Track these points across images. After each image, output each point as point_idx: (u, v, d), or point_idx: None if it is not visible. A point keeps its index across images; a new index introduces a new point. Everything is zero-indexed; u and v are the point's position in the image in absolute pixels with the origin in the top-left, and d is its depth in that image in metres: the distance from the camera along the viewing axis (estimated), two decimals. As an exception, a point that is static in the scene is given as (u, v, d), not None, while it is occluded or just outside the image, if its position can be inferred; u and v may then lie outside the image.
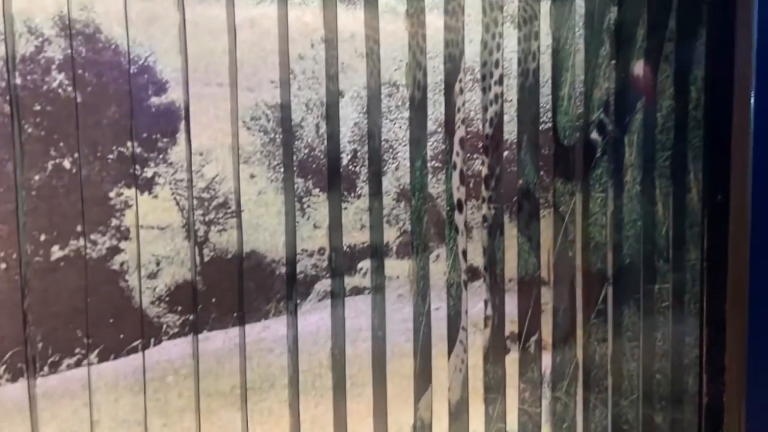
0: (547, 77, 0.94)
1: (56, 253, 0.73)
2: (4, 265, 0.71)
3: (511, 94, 0.92)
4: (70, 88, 0.72)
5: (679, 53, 1.00)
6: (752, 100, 1.00)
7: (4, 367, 0.71)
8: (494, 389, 0.93)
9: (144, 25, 0.75)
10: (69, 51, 0.71)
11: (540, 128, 0.94)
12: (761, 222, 1.02)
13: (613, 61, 0.96)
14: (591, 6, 0.94)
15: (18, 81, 0.70)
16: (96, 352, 0.75)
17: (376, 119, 0.84)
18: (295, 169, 0.82)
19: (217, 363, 0.81)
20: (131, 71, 0.74)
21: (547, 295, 0.97)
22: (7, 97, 0.69)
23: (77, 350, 0.74)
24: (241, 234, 0.80)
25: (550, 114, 0.95)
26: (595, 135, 0.96)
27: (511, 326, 0.96)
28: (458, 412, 0.91)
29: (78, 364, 0.74)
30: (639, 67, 0.98)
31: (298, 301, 0.83)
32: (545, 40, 0.93)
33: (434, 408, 0.90)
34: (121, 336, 0.76)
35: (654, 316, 1.02)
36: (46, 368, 0.73)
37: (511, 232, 0.94)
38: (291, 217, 0.81)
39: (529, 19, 0.90)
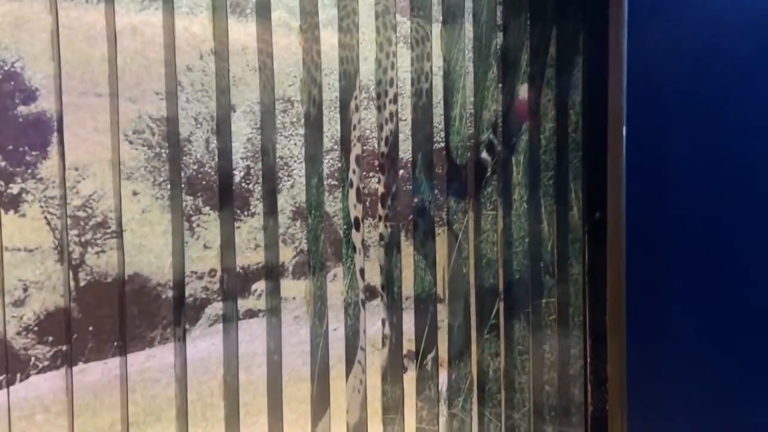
0: (440, 98, 0.96)
1: None
2: None
3: (406, 113, 0.93)
4: None
5: (559, 79, 1.06)
6: (624, 125, 1.08)
7: None
8: (393, 409, 0.92)
9: (10, 28, 0.68)
10: None
11: (435, 147, 0.95)
12: (635, 237, 1.10)
13: (500, 85, 1.00)
14: (479, 31, 0.97)
15: None
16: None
17: (270, 135, 0.81)
18: (183, 186, 0.77)
19: (95, 397, 0.73)
20: (-5, 77, 0.67)
21: (442, 313, 0.97)
22: None
23: None
24: (122, 255, 0.74)
25: (443, 134, 0.96)
26: (484, 155, 0.99)
27: (408, 344, 0.95)
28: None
29: None
30: (524, 91, 1.02)
31: (187, 326, 0.78)
32: (437, 62, 0.95)
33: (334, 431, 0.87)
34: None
35: (542, 329, 1.06)
36: None
37: (407, 250, 0.94)
38: (178, 237, 0.76)
39: (421, 40, 0.92)
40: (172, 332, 0.77)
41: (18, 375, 0.69)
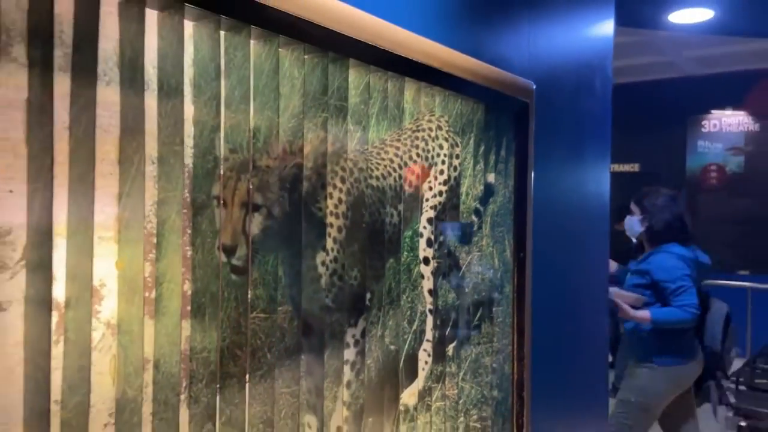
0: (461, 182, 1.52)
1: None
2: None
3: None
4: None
5: (503, 172, 1.70)
6: (531, 201, 1.77)
7: (206, 389, 0.93)
8: (436, 380, 1.44)
9: None
10: None
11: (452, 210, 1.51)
12: (536, 268, 1.79)
13: (479, 174, 1.61)
14: (478, 139, 1.57)
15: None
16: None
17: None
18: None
19: None
20: None
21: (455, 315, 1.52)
22: None
23: (246, 372, 1.00)
24: None
25: (455, 200, 1.52)
26: (473, 217, 1.59)
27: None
28: (421, 397, 1.39)
29: (245, 383, 1.00)
30: (491, 177, 1.64)
31: None
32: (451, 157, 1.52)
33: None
34: (267, 360, 1.04)
35: (493, 326, 1.67)
36: None
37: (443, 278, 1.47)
38: None
39: (452, 146, 1.48)
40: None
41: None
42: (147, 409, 0.87)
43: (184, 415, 0.91)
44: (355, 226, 1.19)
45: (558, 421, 2.10)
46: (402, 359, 1.33)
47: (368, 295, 1.24)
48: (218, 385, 0.95)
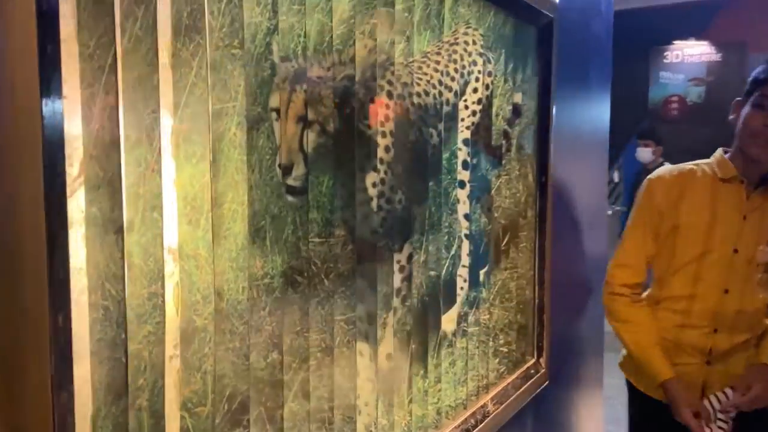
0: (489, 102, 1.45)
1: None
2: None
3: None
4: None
5: (528, 88, 1.63)
6: (552, 131, 1.71)
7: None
8: (470, 306, 1.40)
9: None
10: None
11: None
12: (557, 192, 1.75)
13: (507, 94, 1.54)
14: (500, 62, 1.48)
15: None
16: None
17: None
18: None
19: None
20: None
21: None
22: None
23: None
24: (383, 205, 1.09)
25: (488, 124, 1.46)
26: (502, 139, 1.52)
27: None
28: (458, 322, 1.35)
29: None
30: (518, 98, 1.57)
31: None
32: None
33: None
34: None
35: (518, 250, 1.64)
36: (293, 315, 0.91)
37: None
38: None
39: (485, 63, 1.40)
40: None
41: (338, 287, 1.00)
42: (213, 338, 0.81)
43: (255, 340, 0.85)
44: (401, 146, 1.12)
45: (576, 347, 2.13)
46: (442, 285, 1.29)
47: (412, 220, 1.18)
48: (282, 313, 0.89)
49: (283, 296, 0.89)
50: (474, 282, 1.41)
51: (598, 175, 2.40)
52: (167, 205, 0.73)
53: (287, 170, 0.88)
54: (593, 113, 2.35)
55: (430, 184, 1.23)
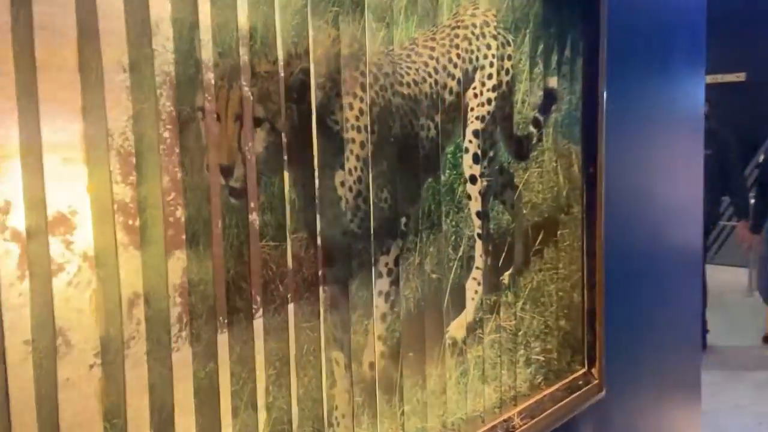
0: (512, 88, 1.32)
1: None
2: (206, 237, 0.83)
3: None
4: (246, 87, 0.87)
5: (571, 72, 1.48)
6: (604, 112, 1.54)
7: (209, 323, 0.84)
8: (489, 311, 1.29)
9: None
10: None
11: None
12: (609, 186, 1.57)
13: (537, 78, 1.40)
14: (530, 40, 1.35)
15: (212, 81, 0.83)
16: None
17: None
18: (382, 153, 1.06)
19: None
20: None
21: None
22: (216, 95, 0.82)
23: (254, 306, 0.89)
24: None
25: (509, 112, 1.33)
26: (531, 128, 1.39)
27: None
28: (471, 329, 1.25)
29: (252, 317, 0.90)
30: (554, 82, 1.43)
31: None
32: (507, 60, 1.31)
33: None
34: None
35: (559, 251, 1.49)
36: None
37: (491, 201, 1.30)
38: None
39: (502, 46, 1.27)
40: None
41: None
42: (143, 348, 0.79)
43: (187, 353, 0.83)
44: (382, 141, 1.04)
45: (638, 358, 1.92)
46: (447, 289, 1.19)
47: (403, 219, 1.10)
48: (224, 321, 0.85)
49: (227, 303, 0.85)
50: (493, 285, 1.29)
51: (688, 167, 2.15)
52: (79, 211, 0.72)
53: (227, 171, 0.84)
54: (678, 98, 2.10)
55: (428, 180, 1.14)
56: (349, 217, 1.00)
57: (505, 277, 1.34)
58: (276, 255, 0.90)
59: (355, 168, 1.01)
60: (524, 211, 1.37)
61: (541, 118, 1.40)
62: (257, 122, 0.88)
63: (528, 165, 1.38)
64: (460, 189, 1.21)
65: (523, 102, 1.34)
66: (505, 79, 1.29)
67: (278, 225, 0.90)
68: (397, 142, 1.07)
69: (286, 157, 0.92)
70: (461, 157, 1.21)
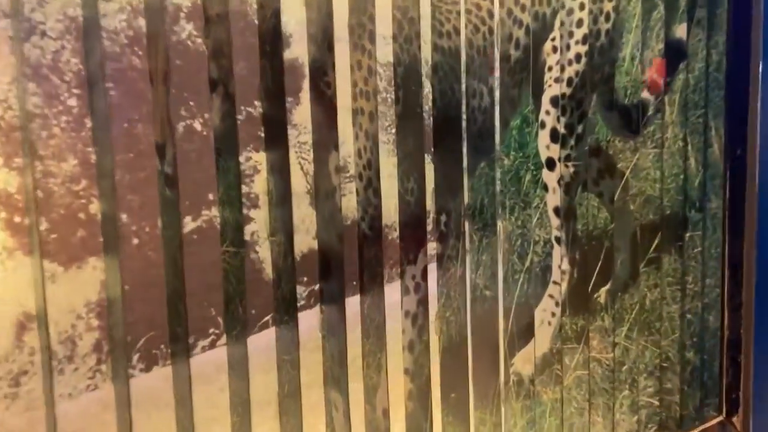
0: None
1: (189, 224, 0.65)
2: (136, 240, 0.63)
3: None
4: (199, 40, 0.64)
5: (709, 18, 1.08)
6: (761, 64, 1.12)
7: (138, 355, 0.64)
8: (574, 339, 0.97)
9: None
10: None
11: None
12: (767, 173, 1.15)
13: (656, 27, 1.02)
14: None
15: (144, 29, 0.61)
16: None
17: (485, 77, 0.83)
18: (405, 130, 0.79)
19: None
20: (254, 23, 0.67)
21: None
22: (138, 50, 0.61)
23: (212, 330, 0.68)
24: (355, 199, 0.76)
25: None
26: (646, 94, 1.02)
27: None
28: (545, 363, 0.94)
29: (213, 345, 0.68)
30: (681, 31, 1.04)
31: (407, 267, 0.81)
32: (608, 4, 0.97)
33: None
34: (253, 311, 0.70)
35: (686, 261, 1.11)
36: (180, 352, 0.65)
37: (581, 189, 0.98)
38: (398, 179, 0.79)
39: (601, -19, 0.93)
40: (398, 272, 0.81)
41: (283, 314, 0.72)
42: (38, 386, 0.60)
43: (108, 393, 0.63)
44: (407, 112, 0.77)
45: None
46: (511, 310, 0.90)
47: (441, 217, 0.82)
48: (166, 351, 0.65)
49: (166, 328, 0.64)
50: (580, 306, 0.97)
51: None
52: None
53: (161, 151, 0.63)
54: None
55: (480, 165, 0.85)
56: (351, 213, 0.75)
57: (601, 295, 1.00)
58: (235, 264, 0.68)
59: (364, 148, 0.75)
60: (631, 207, 1.02)
61: (660, 81, 1.03)
62: (213, 85, 0.65)
63: (638, 144, 1.02)
64: (529, 177, 0.90)
65: (632, 59, 0.99)
66: (605, 27, 0.94)
67: (236, 225, 0.67)
68: (429, 114, 0.79)
69: (263, 133, 0.68)
70: (532, 133, 0.89)
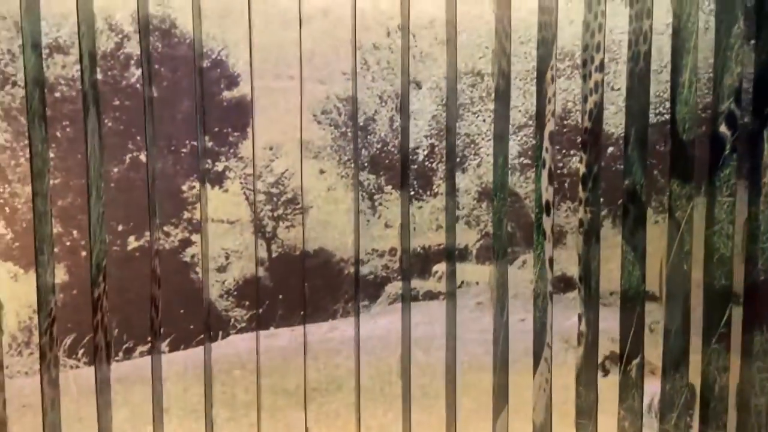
0: (666, 61, 0.81)
1: (132, 243, 0.75)
2: (84, 253, 0.74)
3: (620, 81, 0.81)
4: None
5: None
6: None
7: (82, 350, 0.75)
8: (586, 414, 0.83)
9: (217, 18, 0.75)
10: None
11: (654, 121, 0.81)
12: None
13: (751, 42, 0.81)
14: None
15: (99, 77, 0.73)
16: (167, 341, 0.76)
17: (454, 112, 0.77)
18: (365, 165, 0.77)
19: (284, 360, 0.79)
20: (204, 66, 0.74)
21: (656, 314, 0.84)
22: (81, 92, 0.72)
23: (150, 338, 0.77)
24: (304, 231, 0.77)
25: (667, 104, 0.82)
26: (723, 128, 0.82)
27: (611, 345, 0.85)
28: (542, 436, 0.82)
29: (150, 351, 0.77)
30: (784, 47, 0.81)
31: (367, 302, 0.79)
32: (664, 18, 0.80)
33: (515, 428, 0.82)
34: (191, 327, 0.77)
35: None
36: (120, 354, 0.76)
37: (614, 239, 0.83)
38: (358, 216, 0.77)
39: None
40: (353, 307, 0.79)
41: (219, 333, 0.78)
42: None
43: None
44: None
45: None
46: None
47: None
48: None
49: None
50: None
51: None
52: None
53: (107, 177, 0.74)
54: None
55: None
56: (299, 244, 0.77)
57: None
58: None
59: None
60: (684, 267, 0.83)
61: (738, 114, 0.82)
62: (161, 122, 0.74)
63: (697, 191, 0.82)
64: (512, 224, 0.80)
65: (690, 85, 0.81)
66: (643, 48, 0.79)
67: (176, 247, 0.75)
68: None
69: (208, 165, 0.76)
70: (522, 172, 0.80)
